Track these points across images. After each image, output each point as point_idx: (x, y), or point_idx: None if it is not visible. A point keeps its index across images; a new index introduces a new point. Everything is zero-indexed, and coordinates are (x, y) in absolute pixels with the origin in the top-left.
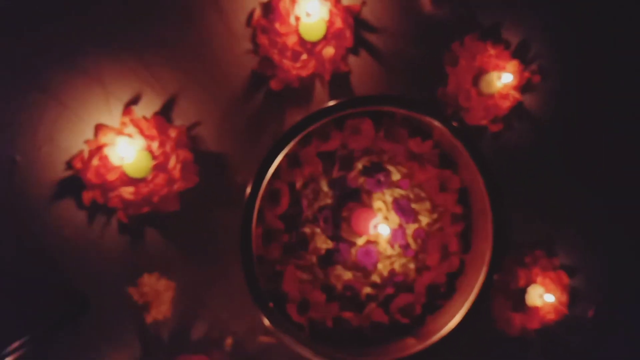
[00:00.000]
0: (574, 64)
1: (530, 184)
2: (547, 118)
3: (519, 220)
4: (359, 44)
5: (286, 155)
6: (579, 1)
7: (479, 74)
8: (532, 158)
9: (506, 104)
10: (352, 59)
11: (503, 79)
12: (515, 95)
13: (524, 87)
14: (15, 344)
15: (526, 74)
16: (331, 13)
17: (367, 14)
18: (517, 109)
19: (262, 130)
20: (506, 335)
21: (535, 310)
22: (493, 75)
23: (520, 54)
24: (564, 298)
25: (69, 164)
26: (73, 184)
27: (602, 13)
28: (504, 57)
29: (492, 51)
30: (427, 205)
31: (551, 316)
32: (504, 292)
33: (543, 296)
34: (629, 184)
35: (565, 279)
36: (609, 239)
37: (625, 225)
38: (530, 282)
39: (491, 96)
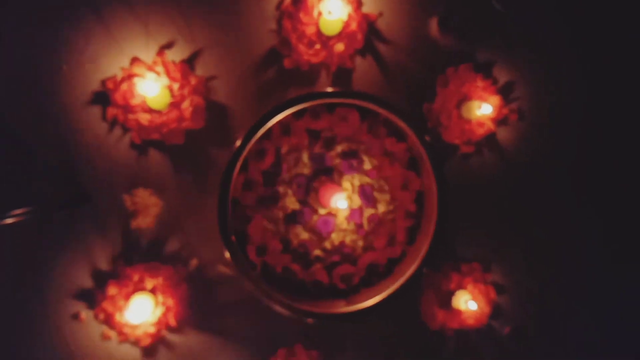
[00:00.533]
0: (550, 114)
1: (484, 206)
2: (513, 152)
3: (467, 235)
4: (367, 48)
5: (280, 123)
6: (566, 62)
7: (464, 99)
8: (492, 184)
9: (480, 131)
10: (358, 59)
11: (483, 109)
12: (490, 125)
13: (500, 121)
14: (20, 211)
15: (505, 110)
16: (350, 16)
17: (381, 24)
18: (490, 138)
19: (267, 97)
20: (427, 327)
21: (458, 312)
22: (475, 103)
23: (504, 92)
24: (487, 310)
25: (103, 83)
26: (102, 99)
27: (586, 76)
28: (489, 91)
29: (480, 83)
30: (387, 197)
31: (471, 321)
32: (436, 289)
33: (468, 302)
34: (567, 229)
35: (493, 294)
36: (542, 272)
37: (559, 262)
38: (460, 287)
39: (469, 121)
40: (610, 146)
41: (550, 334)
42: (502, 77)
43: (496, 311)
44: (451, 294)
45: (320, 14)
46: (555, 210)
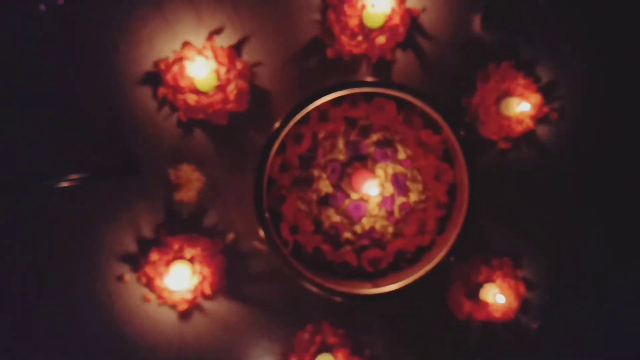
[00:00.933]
0: (591, 116)
1: (520, 202)
2: (552, 151)
3: (499, 229)
4: (409, 41)
5: (318, 109)
6: (611, 62)
7: (503, 96)
8: (529, 181)
9: (519, 128)
10: (399, 52)
11: (522, 106)
12: (529, 123)
13: (540, 119)
14: (75, 176)
15: (545, 109)
16: (393, 10)
17: (424, 18)
18: (529, 135)
19: (308, 84)
20: (454, 316)
21: (485, 304)
22: (515, 100)
23: (545, 91)
24: (515, 305)
25: (156, 63)
26: (154, 79)
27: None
28: (531, 89)
29: (521, 81)
30: (420, 187)
31: (497, 314)
32: (464, 280)
33: (496, 295)
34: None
35: (522, 289)
36: (576, 271)
37: (594, 264)
38: (489, 280)
39: (508, 118)
40: None
41: (575, 332)
42: (545, 75)
43: (525, 306)
44: (479, 286)
45: (364, 6)
46: (591, 210)
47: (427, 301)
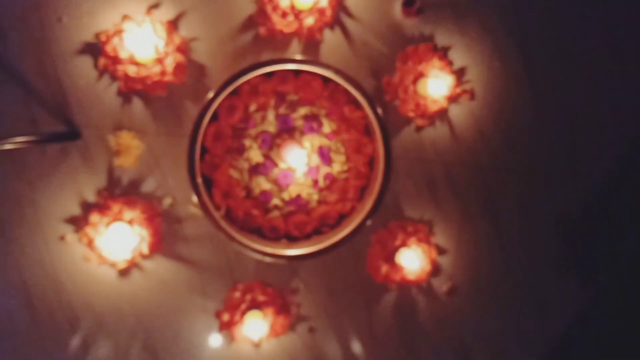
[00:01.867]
0: (496, 99)
1: (433, 174)
2: (462, 128)
3: (414, 200)
4: (336, 23)
5: (250, 83)
6: (519, 53)
7: (420, 76)
8: (442, 155)
9: (434, 107)
10: (327, 33)
11: (437, 86)
12: (444, 102)
13: (453, 99)
14: (19, 139)
15: (458, 90)
16: None
17: (350, 2)
18: (443, 114)
19: (242, 60)
20: (372, 279)
21: (400, 268)
22: (430, 80)
23: (458, 74)
24: (428, 268)
25: (97, 35)
26: (95, 49)
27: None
28: (445, 71)
29: (437, 63)
30: (343, 158)
31: (412, 277)
32: (382, 245)
33: (410, 258)
34: (510, 204)
35: (434, 253)
36: (481, 236)
37: (497, 228)
38: (404, 244)
39: (424, 97)
40: (547, 126)
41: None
42: (458, 60)
43: (437, 270)
44: (396, 250)
45: None
46: (496, 182)
47: (349, 264)
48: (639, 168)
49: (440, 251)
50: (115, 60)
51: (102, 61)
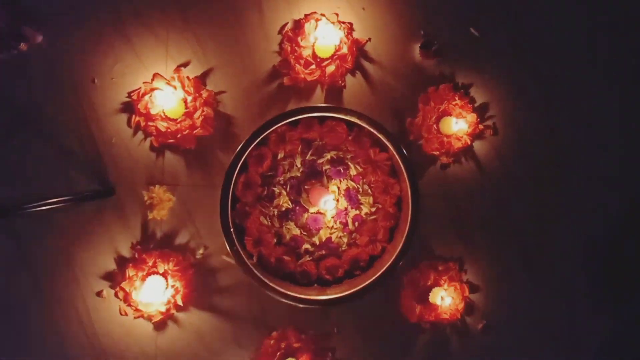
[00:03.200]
0: (517, 132)
1: (462, 211)
2: (488, 163)
3: (443, 236)
4: (357, 69)
5: (277, 132)
6: (537, 90)
7: (443, 115)
8: (468, 192)
9: (458, 144)
10: (349, 78)
11: (459, 124)
12: (467, 139)
13: (476, 135)
14: (55, 199)
15: (481, 127)
16: (341, 40)
17: (370, 48)
18: (467, 150)
19: (268, 109)
20: (406, 319)
21: (434, 306)
22: (452, 119)
23: (479, 111)
24: (461, 306)
25: (129, 94)
26: (127, 108)
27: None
28: (467, 109)
29: (458, 101)
30: (370, 200)
31: (446, 316)
32: (414, 285)
33: (444, 298)
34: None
35: (466, 291)
36: (514, 273)
37: (529, 264)
38: (436, 284)
39: (448, 135)
40: (570, 156)
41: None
42: (479, 98)
43: (470, 308)
44: (428, 289)
45: (316, 38)
46: (525, 215)
47: (382, 306)
48: None
49: (473, 289)
50: (147, 117)
51: (134, 118)
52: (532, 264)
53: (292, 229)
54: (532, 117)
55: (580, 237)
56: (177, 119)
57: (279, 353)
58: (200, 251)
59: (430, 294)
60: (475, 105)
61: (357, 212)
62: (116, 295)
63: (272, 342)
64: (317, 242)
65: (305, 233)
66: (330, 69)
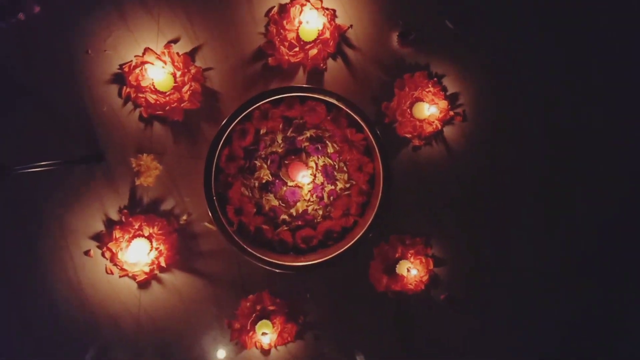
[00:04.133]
0: (484, 118)
1: (430, 190)
2: (456, 147)
3: (413, 214)
4: (338, 53)
5: (260, 109)
6: (509, 81)
7: (416, 101)
8: (438, 172)
9: (429, 129)
10: (330, 62)
11: (431, 109)
12: (438, 124)
13: (446, 121)
14: (49, 162)
15: (451, 113)
16: (324, 26)
17: (351, 34)
18: (438, 134)
19: (252, 87)
20: (374, 289)
21: (400, 277)
22: (425, 105)
23: (451, 99)
24: (425, 278)
25: (121, 67)
26: (119, 80)
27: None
28: (439, 96)
29: (431, 88)
30: (345, 176)
31: (411, 286)
32: (383, 257)
33: (409, 269)
34: (504, 222)
35: (431, 264)
36: (475, 248)
37: (490, 254)
38: (403, 256)
39: (420, 119)
40: (533, 143)
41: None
42: (451, 87)
43: (435, 280)
44: (395, 261)
45: (300, 22)
46: (489, 195)
47: (352, 275)
48: None
49: (438, 263)
50: (137, 89)
51: (125, 90)
52: (496, 240)
53: (272, 200)
54: (499, 106)
55: (539, 214)
56: (166, 92)
57: (254, 315)
58: (184, 217)
59: (397, 265)
60: (447, 93)
61: (333, 187)
62: (103, 255)
63: (248, 304)
64: (294, 214)
65: (283, 204)
66: (313, 52)
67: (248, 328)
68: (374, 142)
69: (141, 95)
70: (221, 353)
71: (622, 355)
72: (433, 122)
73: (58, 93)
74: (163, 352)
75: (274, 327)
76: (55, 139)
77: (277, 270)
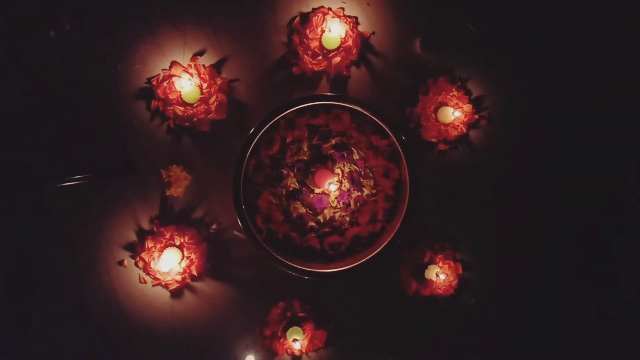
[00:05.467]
0: (510, 121)
1: (457, 194)
2: (483, 150)
3: (440, 219)
4: (361, 60)
5: (285, 118)
6: (532, 84)
7: (441, 105)
8: (464, 175)
9: (454, 133)
10: (353, 69)
11: (455, 113)
12: (463, 128)
13: (471, 124)
14: (81, 175)
15: (476, 116)
16: (347, 33)
17: (374, 40)
18: (463, 138)
19: (277, 96)
20: (404, 293)
21: (430, 282)
22: (450, 109)
23: (475, 102)
24: (454, 282)
25: (149, 80)
26: (147, 93)
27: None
28: (463, 100)
29: (455, 92)
30: (372, 182)
31: (440, 291)
32: (411, 262)
33: (438, 274)
34: (532, 224)
35: (460, 269)
36: (506, 256)
37: (519, 257)
38: (432, 261)
39: (445, 124)
40: (557, 144)
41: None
42: (475, 90)
43: (463, 284)
44: (424, 266)
45: (323, 31)
46: (517, 199)
47: (381, 280)
48: None
49: (467, 267)
50: (165, 101)
51: (154, 103)
52: (524, 243)
53: (299, 208)
54: (524, 108)
55: (571, 220)
56: (193, 104)
57: (284, 321)
58: (214, 226)
59: (426, 270)
60: (472, 97)
61: (359, 193)
62: (136, 264)
63: (278, 311)
64: (322, 220)
65: (310, 212)
66: (336, 60)
67: (279, 334)
68: (399, 147)
69: (169, 107)
70: (250, 359)
71: None
72: (458, 126)
73: (91, 108)
74: (196, 358)
75: (304, 333)
76: (89, 153)
77: (306, 277)
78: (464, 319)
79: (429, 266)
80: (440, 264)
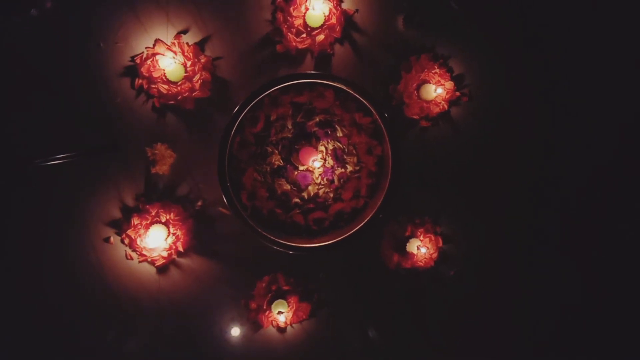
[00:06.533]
0: (490, 98)
1: (438, 169)
2: (463, 127)
3: (421, 194)
4: (345, 38)
5: (270, 96)
6: (508, 57)
7: (423, 83)
8: (445, 152)
9: (436, 109)
10: (337, 46)
11: (438, 90)
12: (445, 105)
13: (453, 101)
14: (64, 154)
15: (457, 93)
16: (330, 11)
17: (357, 18)
18: (444, 115)
19: (261, 74)
20: (385, 266)
21: (410, 255)
22: (432, 86)
23: (457, 80)
24: (435, 255)
25: (132, 58)
26: (131, 71)
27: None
28: (445, 77)
29: (437, 70)
30: (355, 159)
31: (421, 263)
32: (393, 236)
33: (419, 247)
34: (509, 198)
35: (440, 242)
36: (484, 226)
37: (497, 223)
38: (413, 235)
39: (427, 101)
40: (536, 121)
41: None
42: (457, 67)
43: (443, 257)
44: (406, 240)
45: (307, 9)
46: (496, 173)
47: (363, 254)
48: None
49: (447, 240)
50: (150, 79)
51: (138, 81)
52: (502, 216)
53: (283, 185)
54: (504, 85)
55: (548, 190)
56: (177, 82)
57: (269, 295)
58: (199, 203)
59: (407, 244)
60: (453, 74)
61: (343, 170)
62: (122, 241)
63: (263, 285)
64: (306, 197)
65: (295, 188)
66: (320, 37)
67: (264, 307)
68: (382, 124)
69: (153, 86)
70: (235, 331)
71: None
72: (440, 103)
73: (73, 86)
74: (182, 331)
75: (289, 306)
76: (73, 131)
77: (291, 252)
78: (444, 290)
79: (410, 240)
80: (421, 238)
